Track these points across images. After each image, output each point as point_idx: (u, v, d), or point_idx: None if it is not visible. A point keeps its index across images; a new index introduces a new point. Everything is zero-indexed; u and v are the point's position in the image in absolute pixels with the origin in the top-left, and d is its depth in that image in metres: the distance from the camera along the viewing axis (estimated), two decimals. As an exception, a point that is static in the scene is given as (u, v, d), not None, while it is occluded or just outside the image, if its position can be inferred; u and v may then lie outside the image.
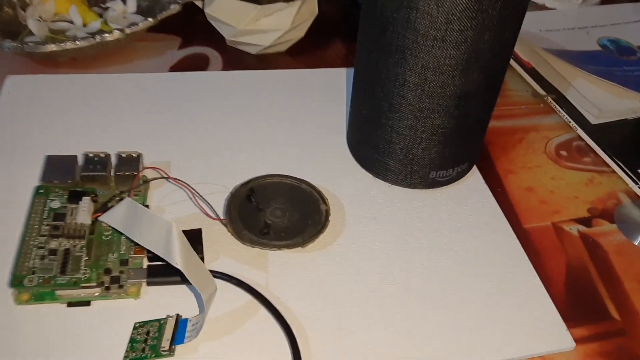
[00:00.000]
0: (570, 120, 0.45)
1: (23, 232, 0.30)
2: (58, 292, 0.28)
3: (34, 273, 0.28)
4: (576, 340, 0.30)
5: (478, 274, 0.32)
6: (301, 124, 0.41)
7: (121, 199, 0.32)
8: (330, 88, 0.45)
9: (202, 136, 0.39)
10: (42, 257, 0.29)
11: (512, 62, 0.50)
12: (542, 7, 0.58)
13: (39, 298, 0.28)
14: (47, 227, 0.30)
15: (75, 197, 0.31)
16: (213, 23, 0.47)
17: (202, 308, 0.28)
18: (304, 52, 0.49)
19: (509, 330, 0.30)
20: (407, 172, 0.35)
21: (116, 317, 0.28)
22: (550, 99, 0.46)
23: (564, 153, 0.42)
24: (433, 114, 0.32)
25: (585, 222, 0.37)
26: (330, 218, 0.33)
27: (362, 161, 0.37)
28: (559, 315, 0.31)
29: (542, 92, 0.47)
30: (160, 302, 0.29)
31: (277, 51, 0.49)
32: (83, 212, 0.30)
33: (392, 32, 0.29)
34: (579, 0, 0.58)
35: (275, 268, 0.31)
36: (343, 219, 0.35)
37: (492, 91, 0.32)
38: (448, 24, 0.28)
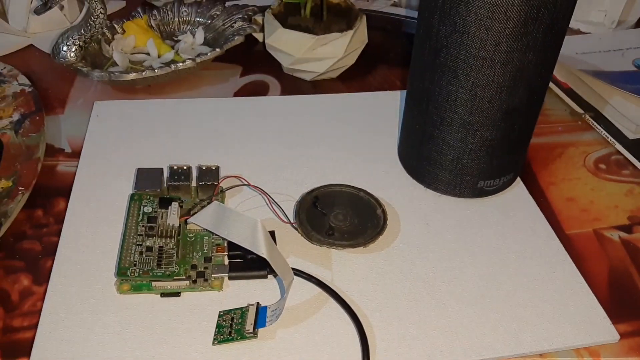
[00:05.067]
0: (608, 135, 0.47)
1: (123, 231, 0.35)
2: (154, 284, 0.32)
3: (135, 266, 0.32)
4: (621, 335, 0.32)
5: (525, 274, 0.35)
6: (356, 141, 0.45)
7: (203, 206, 0.36)
8: (380, 109, 0.49)
9: (268, 153, 0.43)
10: (141, 253, 0.33)
11: (550, 83, 0.54)
12: (578, 32, 0.61)
13: (137, 289, 0.32)
14: (143, 227, 0.35)
15: (164, 202, 0.36)
16: (272, 52, 0.52)
17: (281, 295, 0.31)
18: (354, 78, 0.54)
19: (555, 324, 0.32)
20: (456, 181, 0.39)
21: (203, 306, 0.32)
22: (587, 117, 0.49)
23: (602, 166, 0.45)
24: (482, 126, 0.35)
25: (626, 229, 0.40)
26: (387, 222, 0.37)
27: (414, 173, 0.41)
28: (602, 310, 0.33)
29: (580, 111, 0.50)
30: (240, 293, 0.33)
31: (329, 77, 0.53)
32: (173, 215, 0.35)
33: (445, 54, 0.33)
34: (614, 24, 0.61)
35: (339, 265, 0.35)
36: (398, 224, 0.38)
37: (535, 106, 0.36)
38: (496, 46, 0.31)
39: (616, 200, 0.42)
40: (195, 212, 0.34)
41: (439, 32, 0.33)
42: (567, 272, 0.35)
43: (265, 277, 0.33)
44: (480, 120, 0.35)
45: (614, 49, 0.57)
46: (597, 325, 0.32)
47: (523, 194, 0.41)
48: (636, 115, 0.48)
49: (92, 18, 0.48)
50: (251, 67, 0.54)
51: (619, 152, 0.46)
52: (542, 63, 0.33)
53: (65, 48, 0.47)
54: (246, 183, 0.37)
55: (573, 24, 0.62)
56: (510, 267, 0.36)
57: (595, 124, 0.49)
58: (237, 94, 0.51)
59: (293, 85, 0.52)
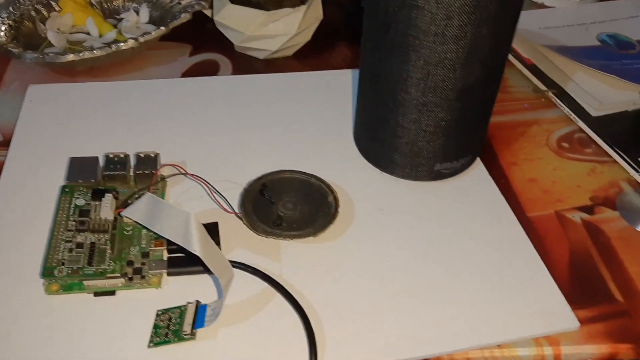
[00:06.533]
0: (571, 113, 0.46)
1: (52, 227, 0.32)
2: (86, 283, 0.30)
3: (63, 264, 0.30)
4: (581, 321, 0.31)
5: (484, 260, 0.34)
6: (309, 123, 0.42)
7: (140, 196, 0.33)
8: (336, 89, 0.46)
9: (215, 137, 0.41)
10: (70, 250, 0.31)
11: (512, 59, 0.52)
12: (541, 6, 0.59)
13: (67, 288, 0.30)
14: (74, 222, 0.32)
15: (98, 194, 0.33)
16: (222, 30, 0.49)
17: (220, 294, 0.29)
18: (309, 56, 0.51)
19: (515, 313, 0.31)
20: (412, 165, 0.37)
21: (139, 305, 0.30)
22: (551, 94, 0.48)
23: (565, 145, 0.44)
24: (436, 107, 0.33)
25: (588, 209, 0.38)
26: (339, 210, 0.35)
27: (369, 156, 0.39)
28: (563, 297, 0.32)
29: (543, 88, 0.49)
30: (180, 291, 0.31)
31: (283, 55, 0.50)
32: (106, 208, 0.32)
33: (394, 30, 0.31)
34: (578, -2, 0.59)
35: (288, 257, 0.33)
36: (352, 211, 0.36)
37: (492, 84, 0.34)
38: (448, 20, 0.29)
39: (578, 180, 0.41)
40: (130, 204, 0.32)
41: (387, 7, 0.31)
42: (527, 258, 0.34)
43: (208, 272, 0.31)
44: (434, 100, 0.33)
45: (577, 24, 0.55)
46: (556, 313, 0.31)
47: (483, 175, 0.39)
48: (599, 92, 0.46)
49: (22, -6, 0.44)
50: (201, 45, 0.51)
51: (581, 130, 0.45)
52: (498, 38, 0.31)
53: (-7, 27, 0.44)
54: (183, 172, 0.35)
55: (537, -2, 0.60)
56: (468, 254, 0.34)
57: (558, 101, 0.47)
58: (186, 74, 0.48)
59: (246, 64, 0.50)
